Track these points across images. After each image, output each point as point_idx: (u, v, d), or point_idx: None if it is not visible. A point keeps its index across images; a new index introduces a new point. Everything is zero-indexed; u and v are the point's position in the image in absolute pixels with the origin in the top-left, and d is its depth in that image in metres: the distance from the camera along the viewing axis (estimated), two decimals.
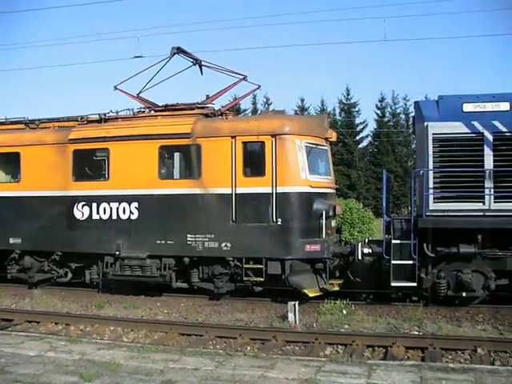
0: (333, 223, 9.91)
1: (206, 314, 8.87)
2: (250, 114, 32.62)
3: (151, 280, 9.70)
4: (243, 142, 9.16)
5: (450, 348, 6.64)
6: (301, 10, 40.34)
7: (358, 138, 36.25)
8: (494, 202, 8.43)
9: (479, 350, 6.46)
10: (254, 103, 36.35)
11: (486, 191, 8.43)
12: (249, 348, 7.00)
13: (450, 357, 6.44)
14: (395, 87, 51.89)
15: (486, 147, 8.49)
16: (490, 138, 8.47)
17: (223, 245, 9.09)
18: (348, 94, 35.98)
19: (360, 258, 9.11)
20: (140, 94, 10.66)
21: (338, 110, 36.38)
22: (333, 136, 10.02)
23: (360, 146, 36.43)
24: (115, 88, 10.71)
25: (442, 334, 7.32)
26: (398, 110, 35.97)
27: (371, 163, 34.92)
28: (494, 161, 8.45)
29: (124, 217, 9.60)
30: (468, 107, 8.64)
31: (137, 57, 12.40)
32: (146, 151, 9.51)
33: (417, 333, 7.57)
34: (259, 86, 10.41)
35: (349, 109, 36.01)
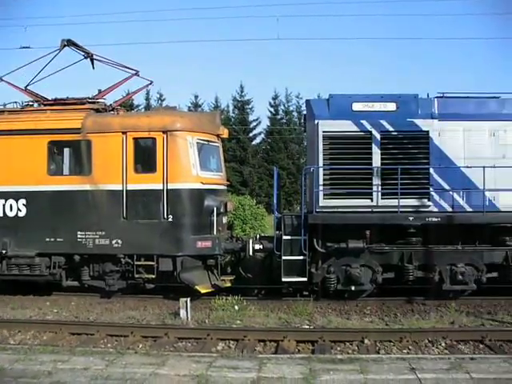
0: (224, 220, 11.14)
1: (97, 313, 9.68)
2: (143, 110, 35.10)
3: (40, 279, 10.32)
4: (134, 138, 10.12)
5: (339, 340, 7.82)
6: (195, 5, 43.21)
7: (251, 134, 40.31)
8: (382, 199, 10.15)
9: (366, 341, 7.69)
10: (148, 99, 39.45)
11: (374, 188, 10.14)
12: (140, 346, 7.67)
13: (338, 348, 7.62)
14: (288, 85, 59.43)
15: (373, 145, 10.20)
16: (378, 136, 10.22)
17: (114, 242, 9.94)
18: (242, 92, 40.16)
19: (251, 254, 10.40)
20: (28, 87, 11.22)
21: (231, 107, 40.56)
22: (225, 133, 11.34)
23: (253, 142, 40.55)
24: (0, 79, 11.21)
25: (332, 327, 8.59)
26: (291, 108, 40.61)
27: (264, 160, 38.82)
28: (382, 158, 10.19)
29: (11, 214, 10.18)
30: (357, 106, 10.31)
31: (24, 47, 13.10)
32: (35, 146, 10.14)
33: (307, 326, 8.77)
34: (151, 82, 11.55)
35: (242, 106, 39.99)
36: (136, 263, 10.12)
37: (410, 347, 7.60)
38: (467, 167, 10.19)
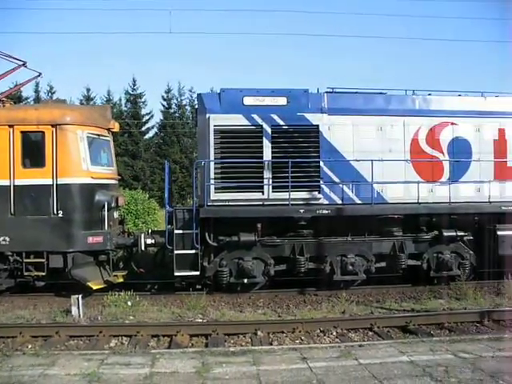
0: (115, 214, 12.27)
1: None
2: (32, 103, 36.89)
3: None
4: (22, 132, 11.01)
5: (232, 333, 8.93)
6: None
7: (143, 128, 43.88)
8: (273, 192, 11.76)
9: (259, 333, 8.91)
10: (37, 91, 41.26)
11: (265, 181, 11.71)
12: (30, 346, 8.24)
13: (232, 341, 8.66)
14: (181, 79, 66.03)
15: (264, 139, 11.79)
16: (269, 130, 11.82)
17: (1, 239, 10.75)
18: (134, 85, 43.73)
19: (143, 248, 11.66)
20: None
21: (124, 101, 44.04)
22: (115, 127, 12.58)
23: (146, 136, 44.24)
24: None
25: (225, 320, 9.84)
26: (184, 102, 44.85)
27: (157, 154, 42.32)
28: (273, 152, 11.81)
29: None
30: (248, 100, 11.87)
31: None
32: None
33: (200, 320, 9.94)
34: (40, 74, 12.52)
35: (135, 99, 43.64)
36: (25, 261, 10.96)
37: (303, 337, 8.89)
38: (356, 160, 12.09)
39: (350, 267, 11.99)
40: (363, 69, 58.96)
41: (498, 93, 13.58)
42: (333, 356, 7.16)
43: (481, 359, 6.93)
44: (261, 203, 11.84)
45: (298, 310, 10.93)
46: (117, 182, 13.14)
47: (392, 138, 12.51)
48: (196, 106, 13.46)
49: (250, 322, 9.71)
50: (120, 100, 43.91)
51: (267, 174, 11.85)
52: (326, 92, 12.53)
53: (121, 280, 11.91)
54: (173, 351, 7.52)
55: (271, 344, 8.55)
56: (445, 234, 12.47)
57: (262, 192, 11.85)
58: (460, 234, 12.59)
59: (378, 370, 6.47)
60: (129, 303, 10.63)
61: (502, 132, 13.10)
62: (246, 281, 11.82)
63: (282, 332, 9.13)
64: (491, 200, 12.77)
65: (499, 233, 12.58)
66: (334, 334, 9.16)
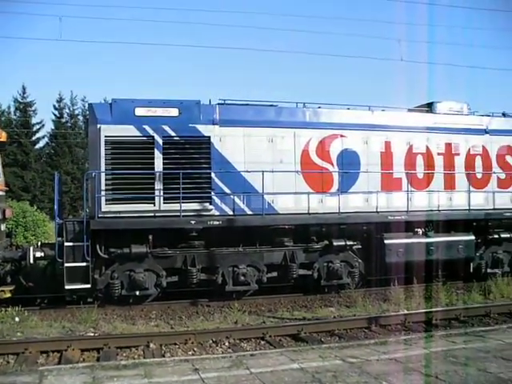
0: (2, 227, 13.56)
1: None
2: None
3: None
4: None
5: (124, 346, 9.93)
6: None
7: (34, 138, 47.18)
8: (164, 203, 13.60)
9: (151, 345, 9.94)
10: None
11: (156, 193, 13.53)
12: None
13: (124, 354, 9.61)
14: (74, 88, 70.67)
15: (156, 150, 13.63)
16: (160, 141, 13.69)
17: None
18: (24, 93, 47.17)
19: (32, 261, 12.96)
20: None
21: (13, 109, 47.50)
22: (3, 136, 13.96)
23: (36, 146, 47.51)
24: None
25: (117, 333, 11.01)
26: (77, 112, 49.42)
27: (48, 165, 45.67)
28: (164, 163, 13.65)
29: None
30: (140, 111, 13.70)
31: None
32: None
33: (92, 334, 11.03)
34: None
35: (25, 108, 47.10)
36: None
37: (195, 348, 10.06)
38: (247, 172, 14.27)
39: (242, 278, 14.08)
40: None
41: (384, 107, 16.66)
42: (225, 366, 8.05)
43: (367, 363, 8.13)
44: (152, 214, 13.68)
45: (191, 321, 12.53)
46: (3, 193, 14.43)
47: (283, 149, 14.88)
48: (87, 116, 15.50)
49: (143, 334, 11.03)
50: (9, 108, 46.82)
51: (158, 186, 13.71)
52: (218, 104, 14.65)
53: (8, 295, 13.05)
54: (62, 367, 8.13)
55: (163, 356, 9.60)
56: (334, 243, 14.96)
57: (154, 203, 13.70)
58: (349, 243, 15.12)
59: (268, 378, 7.40)
60: (16, 319, 11.71)
61: (388, 144, 15.95)
62: (138, 293, 13.56)
63: (175, 343, 10.34)
64: (379, 210, 15.51)
65: (386, 241, 15.31)
66: (227, 344, 10.52)
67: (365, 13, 57.70)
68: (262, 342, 10.82)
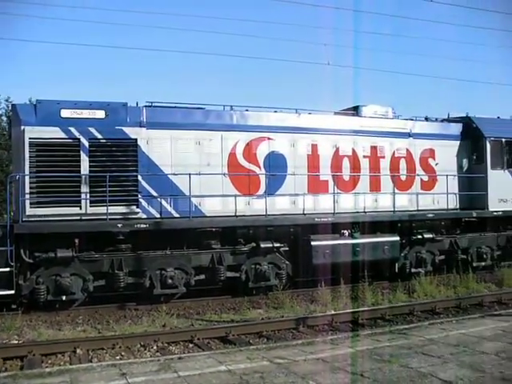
0: None
1: None
2: None
3: None
4: None
5: (50, 353, 10.44)
6: None
7: None
8: (90, 207, 14.75)
9: (78, 351, 10.53)
10: None
11: (83, 196, 14.65)
12: None
13: (50, 361, 10.09)
14: None
15: (82, 153, 14.74)
16: (87, 143, 14.84)
17: None
18: None
19: None
20: None
21: None
22: None
23: None
24: None
25: (43, 340, 11.56)
26: (0, 112, 48.36)
27: None
28: (90, 166, 14.77)
29: None
30: (65, 113, 14.77)
31: None
32: None
33: (16, 342, 11.55)
34: None
35: None
36: None
37: (123, 353, 10.72)
38: (174, 174, 15.72)
39: (170, 281, 15.34)
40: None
41: (311, 110, 18.46)
42: (152, 370, 8.59)
43: (294, 363, 8.85)
44: (78, 218, 14.82)
45: (119, 325, 13.42)
46: None
47: (210, 152, 16.39)
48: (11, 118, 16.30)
49: (69, 340, 11.65)
50: None
51: (85, 189, 14.86)
52: (145, 106, 15.94)
53: None
54: None
55: (90, 361, 10.08)
56: (262, 245, 16.51)
57: (80, 206, 14.86)
58: (276, 245, 16.73)
59: (197, 381, 7.93)
60: None
61: (314, 147, 17.81)
62: (64, 298, 14.54)
63: (102, 348, 10.99)
64: (305, 212, 17.27)
65: (313, 243, 17.02)
66: (155, 347, 11.26)
67: (291, 17, 60.59)
68: (191, 345, 11.69)
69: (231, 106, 17.16)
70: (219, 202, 16.60)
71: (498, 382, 7.77)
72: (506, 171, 21.09)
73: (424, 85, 74.78)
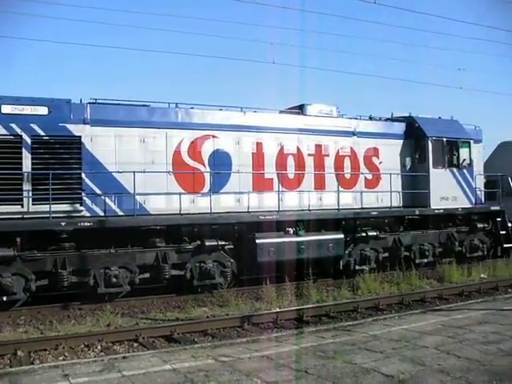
0: None
1: None
2: None
3: None
4: None
5: None
6: None
7: None
8: (33, 205, 14.72)
9: (19, 353, 10.45)
10: None
11: (25, 193, 14.61)
12: None
13: None
14: None
15: (24, 149, 14.73)
16: (29, 140, 14.81)
17: None
18: None
19: None
20: None
21: None
22: None
23: None
24: None
25: None
26: None
27: None
28: (33, 163, 14.77)
29: None
30: (6, 109, 14.72)
31: None
32: None
33: None
34: None
35: None
36: None
37: (66, 354, 10.74)
38: (118, 172, 15.76)
39: (114, 279, 15.42)
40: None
41: (256, 108, 18.87)
42: (96, 370, 8.58)
43: (239, 361, 9.00)
44: (20, 216, 14.80)
45: (62, 325, 13.41)
46: None
47: (155, 149, 16.57)
48: None
49: (9, 341, 11.45)
50: None
51: (27, 186, 14.84)
52: (89, 103, 16.01)
53: None
54: None
55: (32, 363, 10.03)
56: (206, 243, 16.74)
57: (22, 205, 14.83)
58: (221, 243, 16.97)
59: (141, 381, 7.99)
60: None
61: (259, 145, 18.17)
62: (5, 298, 14.41)
63: (45, 349, 10.98)
64: (250, 210, 17.60)
65: (258, 241, 17.34)
66: (99, 347, 11.29)
67: (236, 15, 61.04)
68: (136, 344, 11.78)
69: (176, 104, 17.29)
70: (164, 199, 16.77)
71: (437, 374, 8.07)
72: (447, 170, 21.86)
73: (370, 85, 76.32)
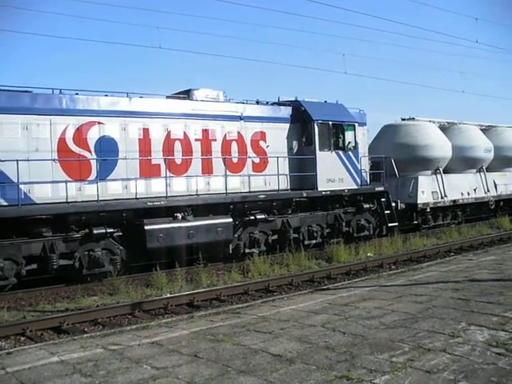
0: None
1: None
2: None
3: None
4: None
5: None
6: None
7: None
8: None
9: None
10: None
11: None
12: None
13: None
14: None
15: None
16: None
17: None
18: None
19: None
20: None
21: None
22: None
23: None
24: None
25: None
26: None
27: None
28: None
29: None
30: None
31: None
32: None
33: None
34: None
35: None
36: None
37: None
38: (1, 161, 16.01)
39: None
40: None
41: (142, 94, 19.57)
42: None
43: (128, 348, 9.26)
44: None
45: None
46: None
47: (39, 137, 16.95)
48: None
49: None
50: None
51: None
52: None
53: None
54: None
55: None
56: (95, 231, 17.31)
57: None
58: (110, 230, 17.61)
59: (27, 376, 8.00)
60: None
61: (146, 131, 18.94)
62: None
63: None
64: (138, 196, 18.40)
65: (146, 227, 18.10)
66: None
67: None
68: (23, 338, 11.92)
69: (60, 90, 17.64)
70: (50, 188, 17.14)
71: (323, 350, 8.64)
72: (333, 152, 23.37)
73: (257, 70, 78.69)
